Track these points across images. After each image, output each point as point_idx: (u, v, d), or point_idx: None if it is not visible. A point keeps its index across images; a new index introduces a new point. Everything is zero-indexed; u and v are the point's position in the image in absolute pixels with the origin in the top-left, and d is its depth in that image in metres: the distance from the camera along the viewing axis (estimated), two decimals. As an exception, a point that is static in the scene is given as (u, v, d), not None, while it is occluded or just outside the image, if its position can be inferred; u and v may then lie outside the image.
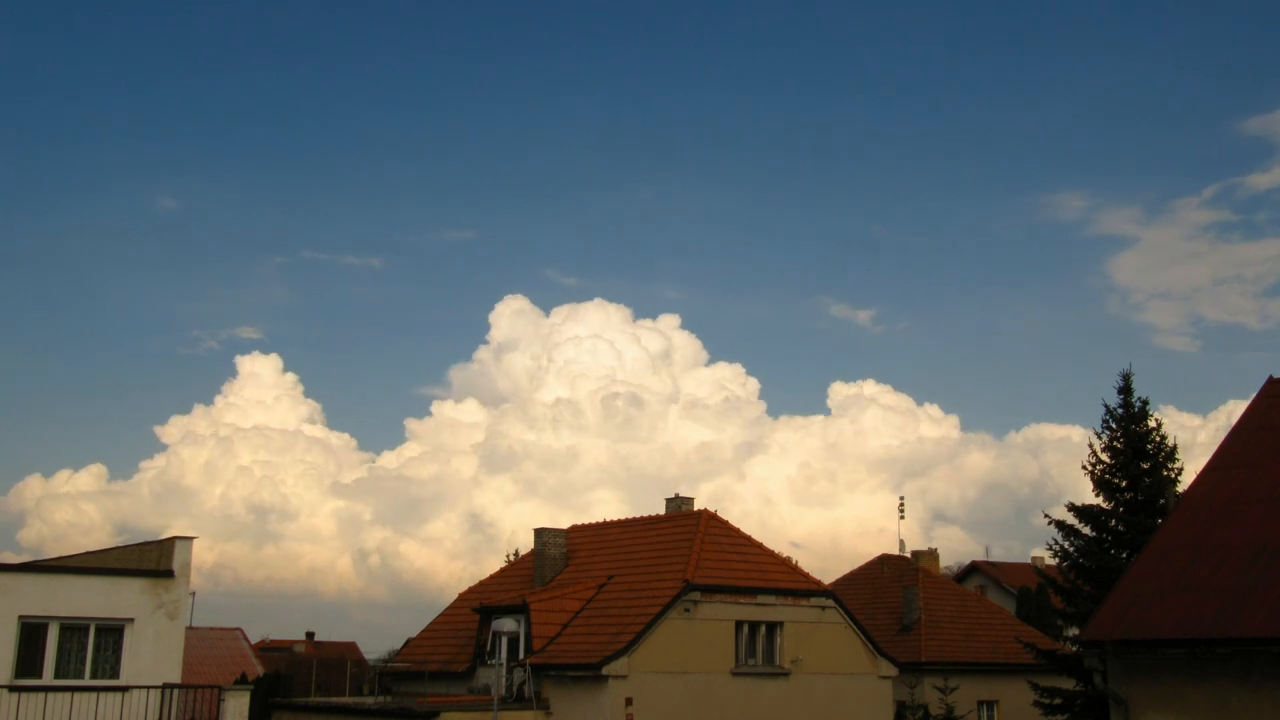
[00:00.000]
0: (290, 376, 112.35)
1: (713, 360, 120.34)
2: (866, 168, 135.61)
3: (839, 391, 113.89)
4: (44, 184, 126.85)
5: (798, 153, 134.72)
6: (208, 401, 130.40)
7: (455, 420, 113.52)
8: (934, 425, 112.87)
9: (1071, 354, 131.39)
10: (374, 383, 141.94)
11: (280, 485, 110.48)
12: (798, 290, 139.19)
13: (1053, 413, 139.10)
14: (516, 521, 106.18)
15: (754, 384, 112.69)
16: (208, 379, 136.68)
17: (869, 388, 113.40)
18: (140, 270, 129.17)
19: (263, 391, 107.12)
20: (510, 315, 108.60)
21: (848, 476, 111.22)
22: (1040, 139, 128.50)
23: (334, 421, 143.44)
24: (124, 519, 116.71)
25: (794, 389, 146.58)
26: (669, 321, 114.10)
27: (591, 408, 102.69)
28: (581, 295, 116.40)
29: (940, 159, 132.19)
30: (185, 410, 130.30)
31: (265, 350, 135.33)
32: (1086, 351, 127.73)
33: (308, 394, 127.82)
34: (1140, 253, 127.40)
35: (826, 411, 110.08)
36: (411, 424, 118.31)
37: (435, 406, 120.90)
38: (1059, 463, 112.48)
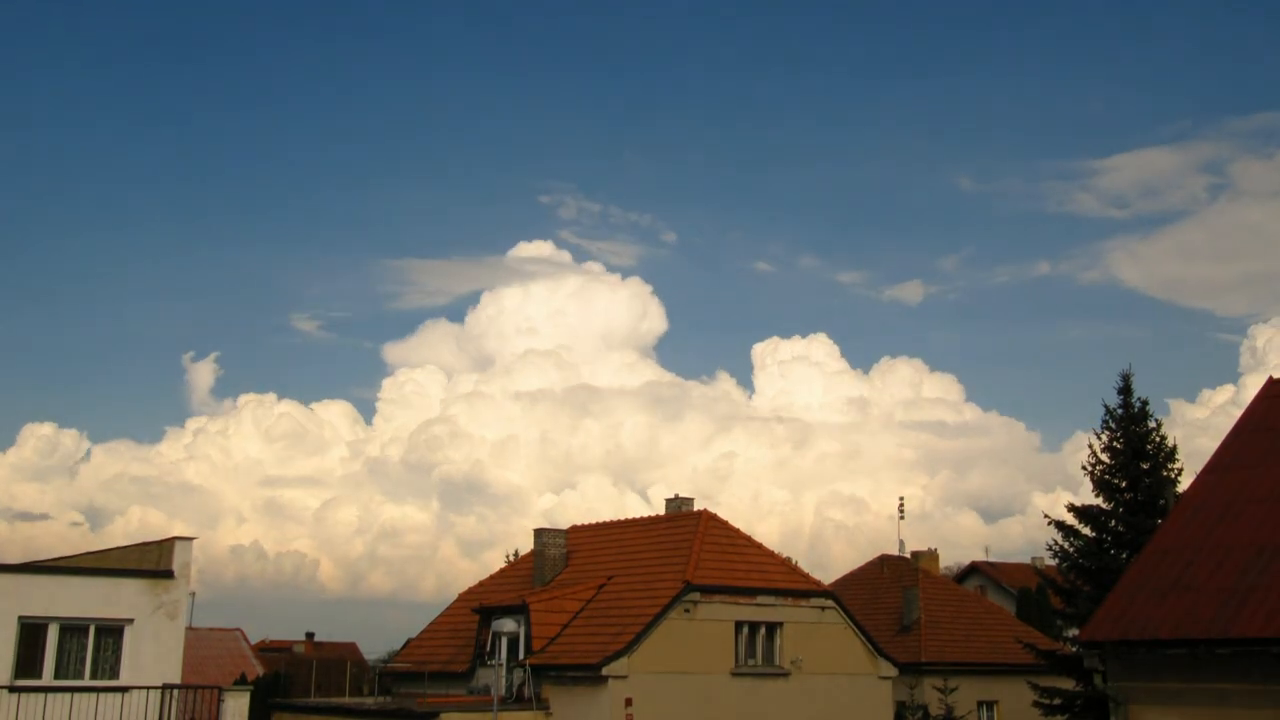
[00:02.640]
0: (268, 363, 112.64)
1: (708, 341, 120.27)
2: (895, 140, 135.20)
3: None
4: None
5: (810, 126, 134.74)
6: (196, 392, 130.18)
7: (429, 400, 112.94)
8: (955, 413, 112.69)
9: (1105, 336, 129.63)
10: (349, 364, 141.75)
11: (263, 477, 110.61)
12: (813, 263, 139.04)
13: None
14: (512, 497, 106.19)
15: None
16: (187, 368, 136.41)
17: (888, 372, 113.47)
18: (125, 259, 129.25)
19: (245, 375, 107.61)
20: (502, 290, 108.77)
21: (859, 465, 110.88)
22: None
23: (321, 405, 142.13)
24: (97, 511, 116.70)
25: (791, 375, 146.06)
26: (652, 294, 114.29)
27: (580, 392, 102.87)
28: (572, 269, 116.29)
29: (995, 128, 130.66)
30: (169, 403, 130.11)
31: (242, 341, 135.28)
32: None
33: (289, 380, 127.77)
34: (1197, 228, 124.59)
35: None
36: (389, 407, 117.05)
37: (413, 388, 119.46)
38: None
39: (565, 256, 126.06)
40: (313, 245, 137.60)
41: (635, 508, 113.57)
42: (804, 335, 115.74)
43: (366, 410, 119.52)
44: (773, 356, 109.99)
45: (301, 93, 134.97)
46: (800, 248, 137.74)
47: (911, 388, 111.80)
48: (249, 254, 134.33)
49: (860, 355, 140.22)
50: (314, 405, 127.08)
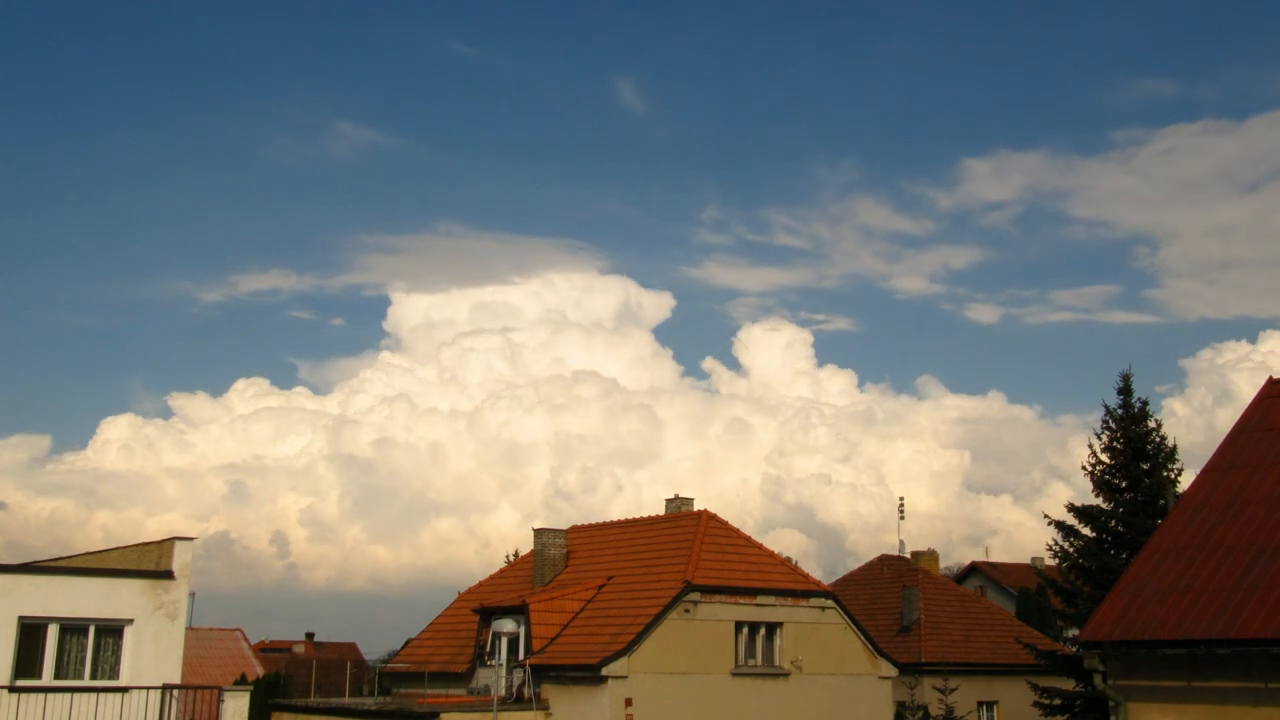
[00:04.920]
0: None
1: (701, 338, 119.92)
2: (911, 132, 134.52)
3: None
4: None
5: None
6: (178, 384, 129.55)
7: (413, 393, 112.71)
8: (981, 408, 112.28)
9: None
10: (336, 354, 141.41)
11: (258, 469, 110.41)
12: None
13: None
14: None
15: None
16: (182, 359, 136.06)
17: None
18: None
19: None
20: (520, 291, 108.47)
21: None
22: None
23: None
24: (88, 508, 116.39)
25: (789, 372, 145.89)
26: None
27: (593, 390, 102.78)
28: (570, 260, 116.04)
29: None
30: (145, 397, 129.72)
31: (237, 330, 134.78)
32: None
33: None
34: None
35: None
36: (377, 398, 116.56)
37: (400, 379, 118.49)
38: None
39: (562, 247, 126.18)
40: (302, 232, 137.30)
41: (631, 505, 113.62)
42: (808, 321, 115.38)
43: (349, 401, 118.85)
44: (773, 344, 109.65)
45: (300, 86, 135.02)
46: (811, 230, 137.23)
47: (923, 379, 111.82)
48: (230, 240, 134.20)
49: (870, 346, 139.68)
50: (296, 390, 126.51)
